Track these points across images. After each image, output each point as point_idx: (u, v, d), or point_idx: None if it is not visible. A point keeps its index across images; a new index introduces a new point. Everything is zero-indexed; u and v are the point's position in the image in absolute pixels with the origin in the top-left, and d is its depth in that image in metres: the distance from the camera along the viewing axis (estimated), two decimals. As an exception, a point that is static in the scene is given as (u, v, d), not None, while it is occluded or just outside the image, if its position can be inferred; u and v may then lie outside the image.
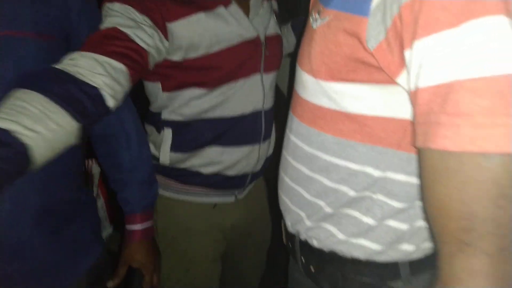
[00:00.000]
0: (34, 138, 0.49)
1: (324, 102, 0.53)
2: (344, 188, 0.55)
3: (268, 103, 1.00)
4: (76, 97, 0.57)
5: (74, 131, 0.56)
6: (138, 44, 0.70)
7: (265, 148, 1.02)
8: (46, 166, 0.60)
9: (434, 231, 0.40)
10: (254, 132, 0.98)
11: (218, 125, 0.93)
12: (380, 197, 0.53)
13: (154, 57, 0.76)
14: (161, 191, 0.99)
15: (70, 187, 0.79)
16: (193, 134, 0.93)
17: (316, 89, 0.54)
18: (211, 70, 0.88)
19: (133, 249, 0.88)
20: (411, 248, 0.54)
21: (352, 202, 0.55)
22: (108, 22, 0.71)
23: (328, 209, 0.58)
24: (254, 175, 1.05)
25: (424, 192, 0.41)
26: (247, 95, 0.94)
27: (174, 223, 1.02)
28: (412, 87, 0.41)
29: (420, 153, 0.41)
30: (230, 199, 1.05)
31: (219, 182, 0.99)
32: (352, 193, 0.55)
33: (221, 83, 0.89)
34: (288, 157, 0.65)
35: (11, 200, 0.67)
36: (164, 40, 0.79)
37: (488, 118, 0.34)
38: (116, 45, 0.67)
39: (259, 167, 1.04)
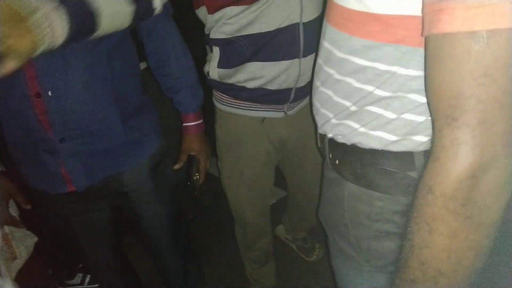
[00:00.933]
0: (101, 7, 0.69)
1: (354, 5, 0.55)
2: (369, 88, 0.59)
3: (308, 16, 1.00)
4: None
5: (129, 14, 0.77)
6: None
7: (308, 64, 1.03)
8: (121, 66, 0.92)
9: (431, 111, 0.46)
10: (292, 46, 1.00)
11: (256, 40, 0.99)
12: (401, 93, 0.57)
13: None
14: (219, 105, 1.17)
15: (135, 86, 0.98)
16: (235, 50, 1.01)
17: None
18: None
19: (190, 140, 1.11)
20: (425, 139, 0.59)
21: (376, 100, 0.59)
22: None
23: (353, 108, 0.62)
24: (299, 91, 1.09)
25: (426, 78, 0.46)
26: (282, 8, 0.96)
27: (230, 133, 1.18)
28: None
29: (426, 43, 0.45)
30: (279, 114, 1.14)
31: (263, 95, 1.08)
32: (376, 91, 0.59)
33: None
34: (320, 62, 0.69)
35: (87, 70, 0.85)
36: None
37: None
38: None
39: (303, 82, 1.08)
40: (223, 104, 1.16)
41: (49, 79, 0.82)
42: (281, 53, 1.00)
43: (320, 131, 0.74)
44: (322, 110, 0.70)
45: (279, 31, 0.97)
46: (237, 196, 1.29)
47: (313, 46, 1.01)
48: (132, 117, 0.98)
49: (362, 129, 0.63)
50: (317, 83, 0.71)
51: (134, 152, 1.01)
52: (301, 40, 0.99)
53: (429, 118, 0.57)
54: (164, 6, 0.92)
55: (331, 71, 0.65)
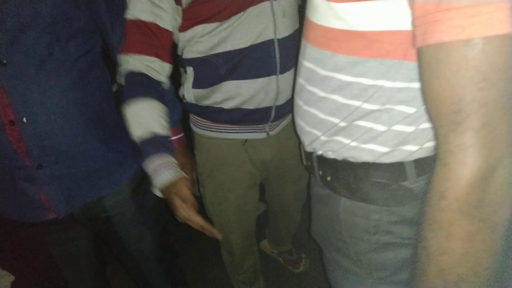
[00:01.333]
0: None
1: (335, 24, 0.56)
2: (356, 103, 0.60)
3: (283, 32, 0.98)
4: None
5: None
6: (165, 28, 0.90)
7: (286, 81, 1.02)
8: (96, 89, 0.93)
9: (432, 119, 0.47)
10: (267, 63, 0.98)
11: (230, 58, 0.96)
12: (389, 106, 0.58)
13: (176, 25, 0.93)
14: (197, 130, 1.13)
15: (110, 108, 0.98)
16: (210, 69, 0.98)
17: (327, 12, 0.56)
18: (218, 4, 0.90)
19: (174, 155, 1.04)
20: (415, 148, 0.60)
21: (364, 114, 0.60)
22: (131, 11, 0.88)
23: (342, 124, 0.63)
24: (279, 109, 1.06)
25: (423, 87, 0.47)
26: (255, 25, 0.94)
27: (210, 158, 1.14)
28: None
29: (419, 54, 0.46)
30: (261, 135, 1.11)
31: (242, 116, 1.04)
32: (364, 106, 0.59)
33: (229, 15, 0.91)
34: (302, 82, 0.69)
35: (63, 94, 0.84)
36: (178, 6, 0.89)
37: (475, 8, 0.40)
38: (151, 43, 0.90)
39: (282, 100, 1.05)
40: (201, 129, 1.12)
41: (23, 106, 0.80)
42: (257, 71, 0.98)
43: (307, 149, 0.74)
44: (308, 129, 0.70)
45: (253, 48, 0.95)
46: (223, 220, 1.25)
47: (290, 63, 1.01)
48: (109, 139, 0.96)
49: (354, 143, 0.63)
50: (299, 102, 0.71)
51: (115, 174, 0.98)
52: (277, 56, 0.98)
53: (419, 127, 0.58)
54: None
55: (315, 89, 0.65)
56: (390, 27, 0.52)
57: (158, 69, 0.92)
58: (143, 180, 1.04)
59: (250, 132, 1.10)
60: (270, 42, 0.96)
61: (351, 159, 0.65)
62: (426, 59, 0.45)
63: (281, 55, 0.98)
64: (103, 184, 0.96)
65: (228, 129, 1.08)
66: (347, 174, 0.65)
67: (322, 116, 0.65)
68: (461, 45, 0.41)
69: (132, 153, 1.02)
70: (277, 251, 1.78)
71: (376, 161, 0.62)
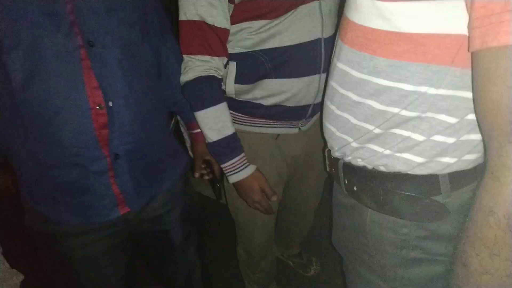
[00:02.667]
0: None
1: (378, 24, 0.53)
2: (394, 110, 0.57)
3: (329, 31, 0.98)
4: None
5: None
6: (221, 27, 0.91)
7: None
8: (161, 80, 0.97)
9: (484, 129, 0.44)
10: (313, 61, 0.98)
11: (276, 55, 0.95)
12: (430, 114, 0.55)
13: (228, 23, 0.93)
14: None
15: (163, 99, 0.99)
16: (254, 65, 0.97)
17: (371, 12, 0.53)
18: (270, 2, 0.89)
19: (201, 146, 1.10)
20: (453, 161, 0.57)
21: (402, 122, 0.57)
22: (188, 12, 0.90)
23: (376, 131, 0.60)
24: (316, 106, 1.06)
25: (477, 94, 0.44)
26: (305, 23, 0.93)
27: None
28: None
29: (475, 58, 0.43)
30: (293, 130, 1.11)
31: (280, 113, 1.04)
32: (402, 112, 0.56)
33: (280, 14, 0.90)
34: (334, 85, 0.66)
35: (143, 79, 0.87)
36: (230, 5, 0.89)
37: None
38: (210, 43, 0.92)
39: (320, 98, 1.04)
40: (235, 123, 1.09)
41: (110, 89, 0.78)
42: (302, 69, 0.98)
43: (335, 154, 0.71)
44: (339, 134, 0.67)
45: (301, 46, 0.95)
46: (248, 216, 1.23)
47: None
48: (167, 131, 1.00)
49: (387, 152, 0.60)
50: (331, 106, 0.68)
51: (172, 168, 1.01)
52: (322, 55, 0.98)
53: (460, 139, 0.55)
54: (162, 25, 0.96)
55: (349, 93, 0.62)
56: (440, 30, 0.49)
57: (218, 66, 0.95)
58: (188, 176, 1.09)
59: (284, 127, 1.09)
60: (317, 41, 0.96)
61: (382, 168, 0.62)
62: (485, 64, 0.42)
63: (326, 54, 0.98)
64: (164, 177, 0.98)
65: (262, 124, 1.08)
66: (375, 186, 0.63)
67: (355, 121, 0.63)
68: None
69: (181, 148, 1.07)
70: (286, 255, 1.76)
71: (409, 172, 0.59)
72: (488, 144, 0.43)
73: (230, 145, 0.99)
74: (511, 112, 0.40)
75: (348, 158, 0.67)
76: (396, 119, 0.57)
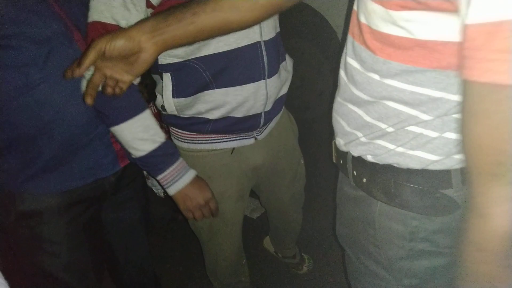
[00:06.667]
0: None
1: (393, 30, 0.53)
2: (410, 111, 0.57)
3: (268, 34, 0.93)
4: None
5: None
6: None
7: (274, 85, 0.97)
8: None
9: (469, 164, 0.45)
10: (255, 67, 0.92)
11: (213, 62, 0.89)
12: (446, 117, 0.55)
13: None
14: (179, 143, 1.04)
15: None
16: (191, 75, 0.90)
17: (385, 18, 0.53)
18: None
19: None
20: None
21: (417, 122, 0.57)
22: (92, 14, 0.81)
23: (389, 129, 0.60)
24: (268, 114, 1.01)
25: (464, 129, 0.45)
26: None
27: (197, 172, 1.00)
28: (461, 21, 0.42)
29: (464, 87, 0.43)
30: (249, 141, 1.04)
31: (229, 125, 0.97)
32: (418, 115, 0.56)
33: None
34: (347, 81, 0.66)
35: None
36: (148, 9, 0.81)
37: None
38: None
39: (270, 105, 1.00)
40: (184, 142, 1.03)
41: None
42: (244, 76, 0.92)
43: (342, 148, 0.72)
44: (349, 129, 0.68)
45: (239, 51, 0.89)
46: (212, 237, 1.16)
47: (276, 66, 0.97)
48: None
49: (400, 149, 0.61)
50: (342, 101, 0.69)
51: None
52: (265, 59, 0.92)
53: None
54: None
55: (360, 93, 0.63)
56: (455, 38, 0.48)
57: None
58: None
59: (238, 139, 1.03)
60: (257, 45, 0.91)
61: (395, 165, 0.62)
62: (473, 97, 0.42)
63: (268, 58, 0.93)
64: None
65: (214, 139, 1.01)
66: (386, 178, 0.63)
67: (368, 119, 0.63)
68: None
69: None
70: (282, 256, 1.73)
71: (424, 168, 0.60)
72: (472, 180, 0.45)
73: (167, 151, 0.91)
74: (496, 153, 0.41)
75: (357, 153, 0.67)
76: (411, 119, 0.58)
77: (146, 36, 0.62)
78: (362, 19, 0.59)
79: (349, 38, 0.65)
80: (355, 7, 0.63)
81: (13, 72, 0.80)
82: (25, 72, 0.81)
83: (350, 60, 0.65)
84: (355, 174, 0.69)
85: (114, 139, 0.94)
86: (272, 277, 1.71)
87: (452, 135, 0.56)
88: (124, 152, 0.97)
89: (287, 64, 1.08)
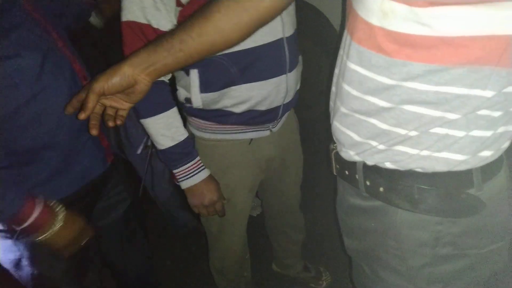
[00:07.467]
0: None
1: (415, 30, 0.50)
2: (434, 113, 0.54)
3: (289, 30, 0.98)
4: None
5: None
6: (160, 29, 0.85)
7: (292, 79, 1.02)
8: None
9: None
10: (279, 62, 0.97)
11: (240, 59, 0.92)
12: (472, 115, 0.52)
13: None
14: (200, 133, 1.07)
15: None
16: (218, 71, 0.93)
17: (407, 17, 0.50)
18: None
19: None
20: (489, 154, 0.56)
21: (439, 123, 0.54)
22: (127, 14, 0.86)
23: (411, 134, 0.57)
24: (286, 107, 1.06)
25: None
26: None
27: (214, 162, 1.08)
28: None
29: None
30: (265, 133, 1.09)
31: (253, 118, 1.02)
32: (444, 115, 0.54)
33: None
34: (352, 91, 0.62)
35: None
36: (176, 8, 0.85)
37: None
38: None
39: (289, 98, 1.05)
40: (206, 132, 1.06)
41: None
42: (269, 71, 0.96)
43: (353, 158, 0.67)
44: (360, 140, 0.64)
45: (265, 47, 0.93)
46: (223, 229, 1.19)
47: (295, 60, 1.02)
48: None
49: (425, 152, 0.57)
50: (348, 111, 0.64)
51: None
52: (287, 55, 0.97)
53: (497, 131, 0.54)
54: None
55: (374, 99, 0.59)
56: (485, 32, 0.46)
57: None
58: None
59: (256, 131, 1.08)
60: (280, 41, 0.95)
61: (419, 170, 0.59)
62: None
63: (289, 53, 0.98)
64: None
65: (234, 130, 1.05)
66: (408, 185, 0.59)
67: (384, 127, 0.59)
68: None
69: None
70: (293, 274, 1.65)
71: (449, 170, 0.57)
72: None
73: (184, 150, 0.98)
74: None
75: (373, 162, 0.63)
76: (436, 121, 0.54)
77: (138, 69, 0.66)
78: (375, 22, 0.55)
79: (354, 44, 0.60)
80: (359, 12, 0.58)
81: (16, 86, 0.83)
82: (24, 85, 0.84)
83: (356, 68, 0.60)
84: (368, 184, 0.65)
85: (102, 136, 0.99)
86: (271, 276, 1.67)
87: (478, 133, 0.54)
88: (109, 148, 1.02)
89: (300, 58, 1.12)
